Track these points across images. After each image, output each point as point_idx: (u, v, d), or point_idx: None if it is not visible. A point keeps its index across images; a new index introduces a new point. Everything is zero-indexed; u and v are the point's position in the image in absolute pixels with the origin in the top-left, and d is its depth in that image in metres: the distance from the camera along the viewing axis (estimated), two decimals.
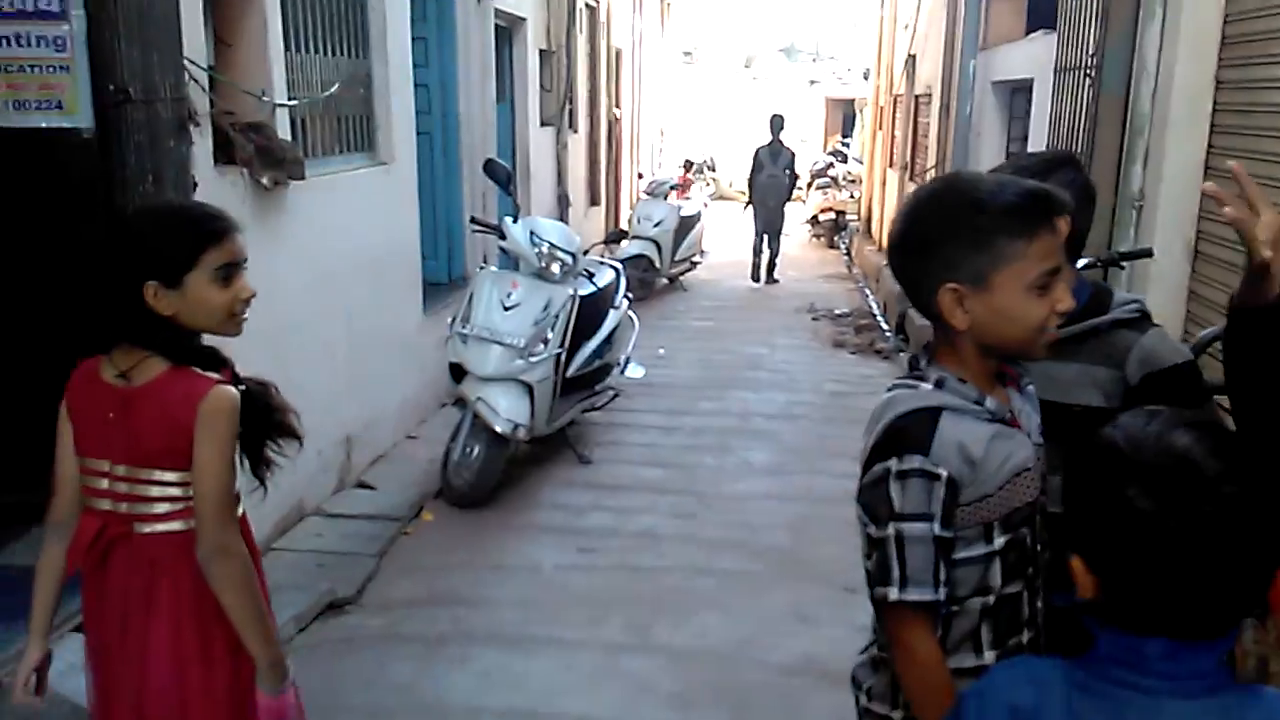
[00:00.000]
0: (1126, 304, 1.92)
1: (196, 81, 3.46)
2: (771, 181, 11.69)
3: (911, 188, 10.88)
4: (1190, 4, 4.55)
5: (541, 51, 9.48)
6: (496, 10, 7.56)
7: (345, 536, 4.27)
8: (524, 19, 8.72)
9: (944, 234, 1.38)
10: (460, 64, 6.92)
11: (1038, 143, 6.93)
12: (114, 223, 1.94)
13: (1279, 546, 1.03)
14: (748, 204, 12.16)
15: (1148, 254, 2.59)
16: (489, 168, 5.54)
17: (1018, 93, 8.19)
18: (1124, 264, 3.52)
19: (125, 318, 1.74)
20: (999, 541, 1.42)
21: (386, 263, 5.34)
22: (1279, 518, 1.02)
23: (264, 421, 1.87)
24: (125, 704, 1.82)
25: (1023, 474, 1.43)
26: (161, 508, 1.79)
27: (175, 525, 1.79)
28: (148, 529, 1.79)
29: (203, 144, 3.52)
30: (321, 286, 4.43)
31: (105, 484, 1.80)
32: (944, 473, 1.35)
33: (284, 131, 4.15)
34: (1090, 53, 5.65)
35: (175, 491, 1.78)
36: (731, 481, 5.21)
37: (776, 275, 11.84)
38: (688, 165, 16.87)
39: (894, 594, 1.36)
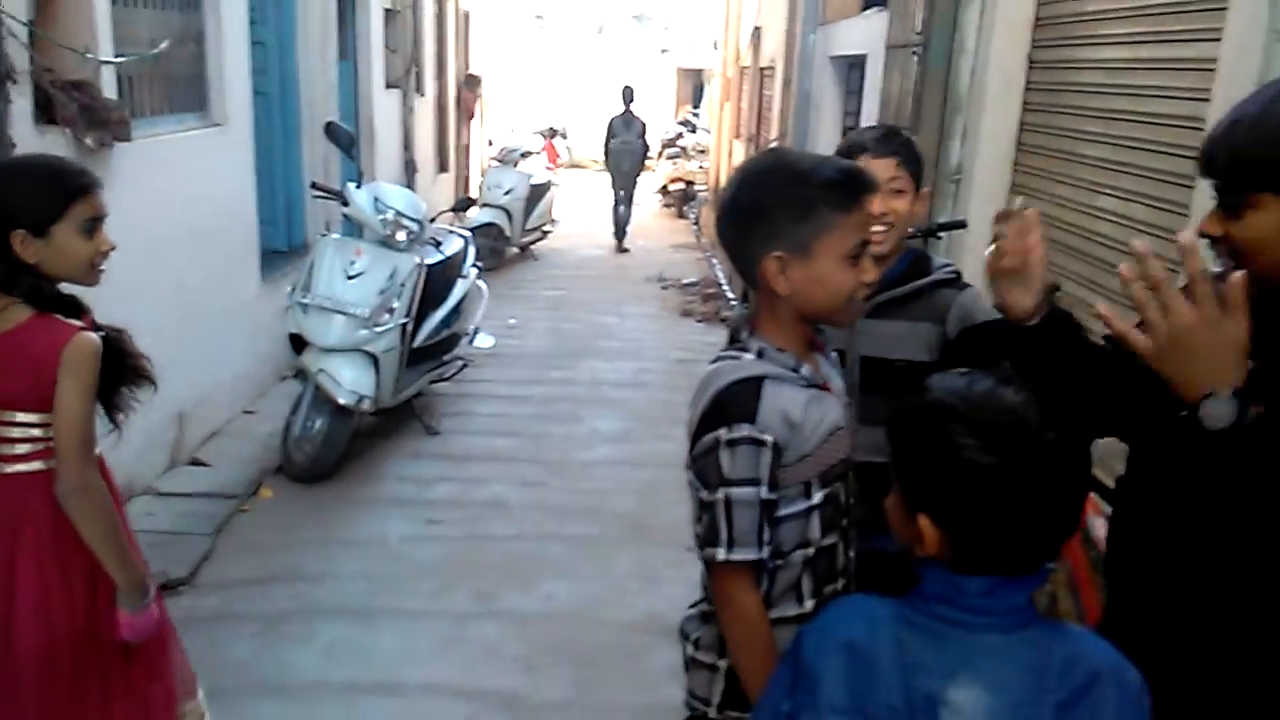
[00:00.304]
0: (943, 266, 2.11)
1: (15, 37, 3.27)
2: (625, 148, 12.24)
3: None
4: None
5: (386, 10, 9.21)
6: None
7: (178, 516, 4.12)
8: None
9: (772, 204, 1.46)
10: (300, 21, 6.65)
11: (870, 117, 7.21)
12: None
13: (1086, 483, 1.15)
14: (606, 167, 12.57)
15: (962, 225, 2.78)
16: (330, 131, 5.37)
17: (854, 68, 8.48)
18: (941, 234, 3.75)
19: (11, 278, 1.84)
20: (817, 497, 1.51)
21: (220, 229, 5.13)
22: (1083, 457, 1.14)
23: (120, 367, 1.97)
24: None
25: (836, 433, 1.53)
26: (22, 448, 1.90)
27: (36, 465, 1.91)
28: (9, 469, 1.90)
29: (21, 103, 3.33)
30: (149, 254, 4.21)
31: None
32: (770, 439, 1.43)
33: (109, 90, 3.92)
34: (917, 31, 5.92)
35: (36, 433, 1.89)
36: (581, 449, 5.28)
37: (625, 244, 12.32)
38: (550, 133, 16.72)
39: (722, 554, 1.44)
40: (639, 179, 12.50)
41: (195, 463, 4.70)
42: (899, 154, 2.00)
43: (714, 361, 1.56)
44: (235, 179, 5.41)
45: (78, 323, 1.90)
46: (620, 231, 12.38)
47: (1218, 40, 2.98)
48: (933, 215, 5.12)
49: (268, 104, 6.43)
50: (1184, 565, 1.30)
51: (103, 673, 2.00)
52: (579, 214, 14.88)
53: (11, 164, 2.24)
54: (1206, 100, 3.04)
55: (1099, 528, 2.48)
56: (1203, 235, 1.25)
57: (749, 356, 1.50)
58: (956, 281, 2.08)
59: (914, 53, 5.99)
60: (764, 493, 1.44)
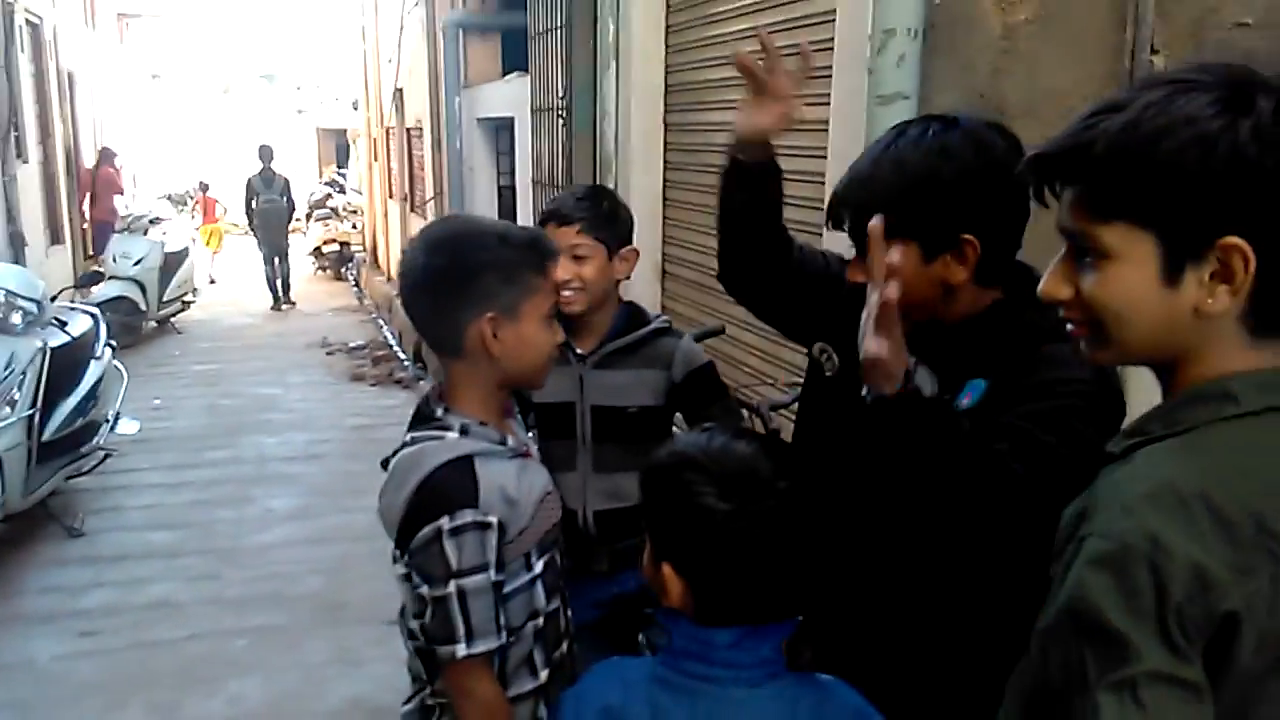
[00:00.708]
0: (658, 317, 2.24)
1: None
2: (271, 206, 12.18)
3: (414, 219, 11.14)
4: (638, 59, 5.23)
5: None
6: None
7: None
8: None
9: (480, 265, 1.43)
10: None
11: (524, 176, 7.47)
12: None
13: (821, 534, 1.16)
14: (250, 230, 12.50)
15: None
16: None
17: (502, 129, 8.75)
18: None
19: None
20: (538, 566, 1.49)
21: None
22: (818, 507, 1.16)
23: None
24: None
25: (546, 498, 1.52)
26: None
27: None
28: None
29: None
30: None
31: None
32: (494, 520, 1.39)
33: None
34: (560, 95, 6.25)
35: None
36: (254, 533, 4.94)
37: (293, 297, 12.38)
38: (204, 187, 15.50)
39: (462, 650, 1.37)
40: (289, 235, 12.53)
41: None
42: (584, 220, 2.07)
43: (410, 443, 1.46)
44: None
45: None
46: (283, 288, 12.25)
47: (827, 104, 3.44)
48: None
49: None
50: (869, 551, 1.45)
51: None
52: (223, 280, 13.95)
53: None
54: (823, 157, 3.50)
55: None
56: (849, 281, 1.42)
57: (452, 435, 1.44)
58: (672, 330, 2.22)
59: (560, 116, 6.31)
60: (494, 575, 1.39)
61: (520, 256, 1.45)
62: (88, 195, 12.21)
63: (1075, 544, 0.88)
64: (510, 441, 1.49)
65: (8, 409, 4.31)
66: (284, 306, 12.21)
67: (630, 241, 2.18)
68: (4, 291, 4.57)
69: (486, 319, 1.42)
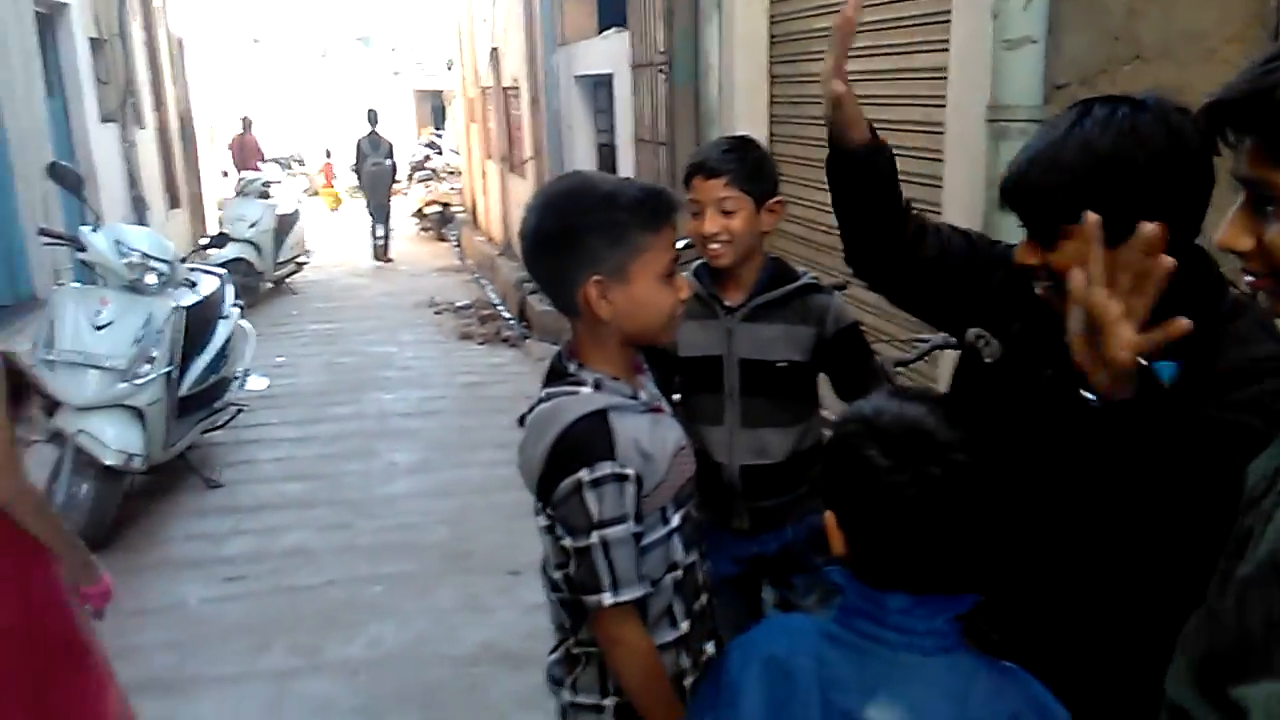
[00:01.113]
0: (804, 273, 2.22)
1: None
2: (378, 168, 13.01)
3: (514, 179, 11.25)
4: (741, 7, 5.16)
5: (92, 40, 8.53)
6: None
7: None
8: (66, 4, 7.81)
9: (584, 229, 1.42)
10: None
11: (624, 133, 7.47)
12: None
13: (1004, 521, 1.12)
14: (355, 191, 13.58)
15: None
16: (55, 172, 4.89)
17: (600, 86, 8.73)
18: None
19: None
20: (675, 519, 1.51)
21: None
22: (1006, 496, 1.11)
23: (17, 384, 2.04)
24: None
25: (680, 452, 1.52)
26: None
27: None
28: None
29: None
30: None
31: None
32: (632, 472, 1.40)
33: None
34: (660, 50, 6.21)
35: None
36: (380, 485, 5.13)
37: (396, 256, 13.14)
38: (328, 153, 16.11)
39: (609, 599, 1.40)
40: (392, 196, 13.32)
41: None
42: (731, 172, 2.04)
43: (546, 399, 1.49)
44: None
45: None
46: (384, 246, 13.12)
47: (946, 50, 3.36)
48: None
49: None
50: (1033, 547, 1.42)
51: (47, 666, 2.07)
52: (331, 242, 14.35)
53: None
54: (941, 105, 3.43)
55: None
56: (1019, 264, 1.39)
57: (586, 390, 1.46)
58: (821, 286, 2.21)
59: (660, 71, 6.27)
60: (633, 527, 1.42)
61: (627, 217, 1.43)
62: (233, 160, 13.20)
63: (1276, 496, 0.88)
64: (642, 396, 1.51)
65: (147, 365, 4.50)
66: (383, 260, 12.97)
67: (776, 193, 2.14)
68: (139, 254, 4.75)
69: (593, 281, 1.43)
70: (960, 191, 3.27)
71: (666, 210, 1.48)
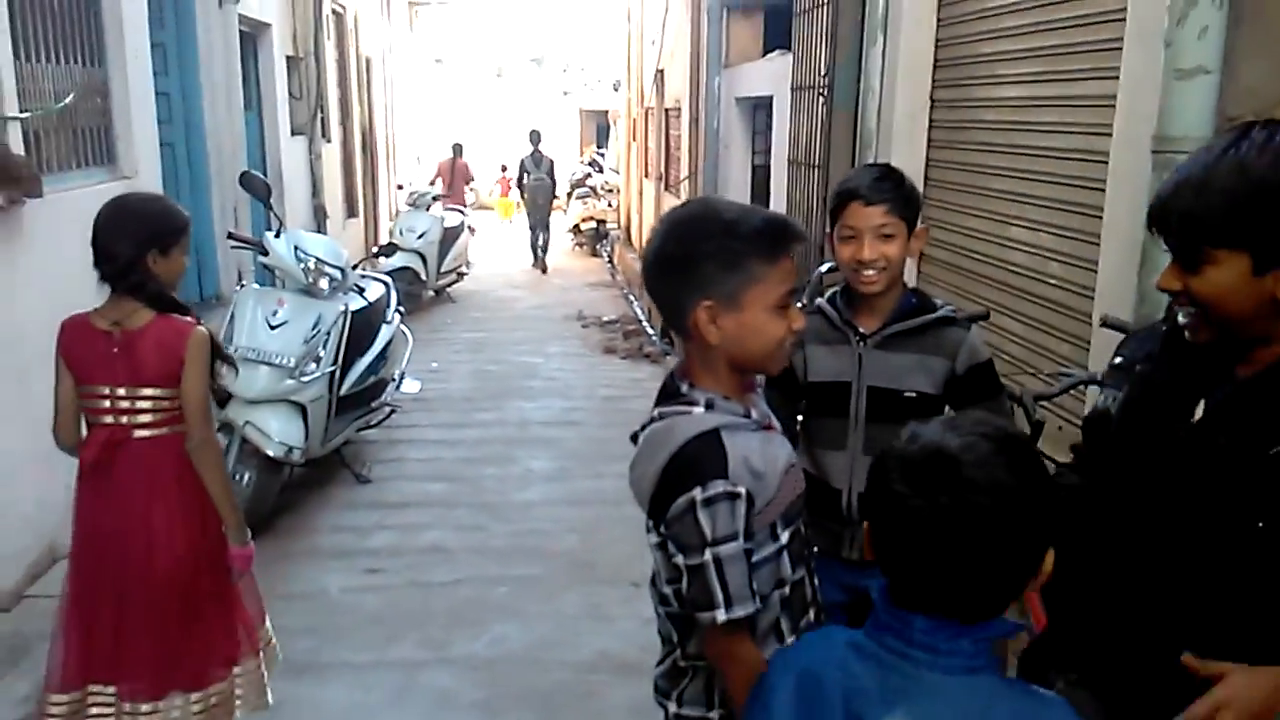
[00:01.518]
0: (945, 305, 2.20)
1: None
2: (539, 184, 14.24)
3: (668, 197, 11.40)
4: (907, 31, 5.07)
5: (289, 58, 9.15)
6: (240, 16, 7.23)
7: None
8: (269, 24, 8.38)
9: (701, 254, 1.45)
10: (203, 71, 6.57)
11: (780, 156, 7.45)
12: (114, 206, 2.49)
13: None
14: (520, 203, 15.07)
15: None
16: (246, 181, 5.30)
17: (759, 108, 8.75)
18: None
19: (132, 278, 2.39)
20: (784, 536, 1.52)
21: None
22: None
23: (215, 354, 2.50)
24: (114, 570, 2.47)
25: (790, 470, 1.53)
26: (152, 417, 2.45)
27: (163, 430, 2.47)
28: (141, 434, 2.45)
29: None
30: (63, 309, 4.06)
31: (108, 404, 2.44)
32: (743, 490, 1.41)
33: (16, 146, 3.82)
34: (822, 73, 6.17)
35: (165, 404, 2.44)
36: (517, 490, 5.28)
37: (551, 269, 14.07)
38: (504, 168, 17.17)
39: (722, 615, 1.40)
40: (551, 210, 14.49)
41: None
42: (889, 200, 2.05)
43: (659, 418, 1.51)
44: None
45: (191, 319, 2.47)
46: (542, 253, 14.21)
47: (1115, 79, 3.21)
48: None
49: (174, 154, 6.32)
50: (1130, 586, 1.39)
51: (215, 589, 2.58)
52: (492, 256, 14.88)
53: (130, 199, 2.65)
54: (1107, 135, 3.27)
55: None
56: (1162, 289, 1.35)
57: (698, 410, 1.48)
58: (958, 320, 2.18)
59: (820, 94, 6.23)
60: (745, 544, 1.43)
61: (746, 245, 1.45)
62: (444, 183, 13.94)
63: None
64: (754, 414, 1.52)
65: (313, 365, 4.79)
66: (540, 269, 14.03)
67: (920, 221, 2.15)
68: (314, 259, 5.06)
69: (704, 306, 1.45)
70: (1121, 223, 3.12)
71: (787, 241, 1.49)
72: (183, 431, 2.46)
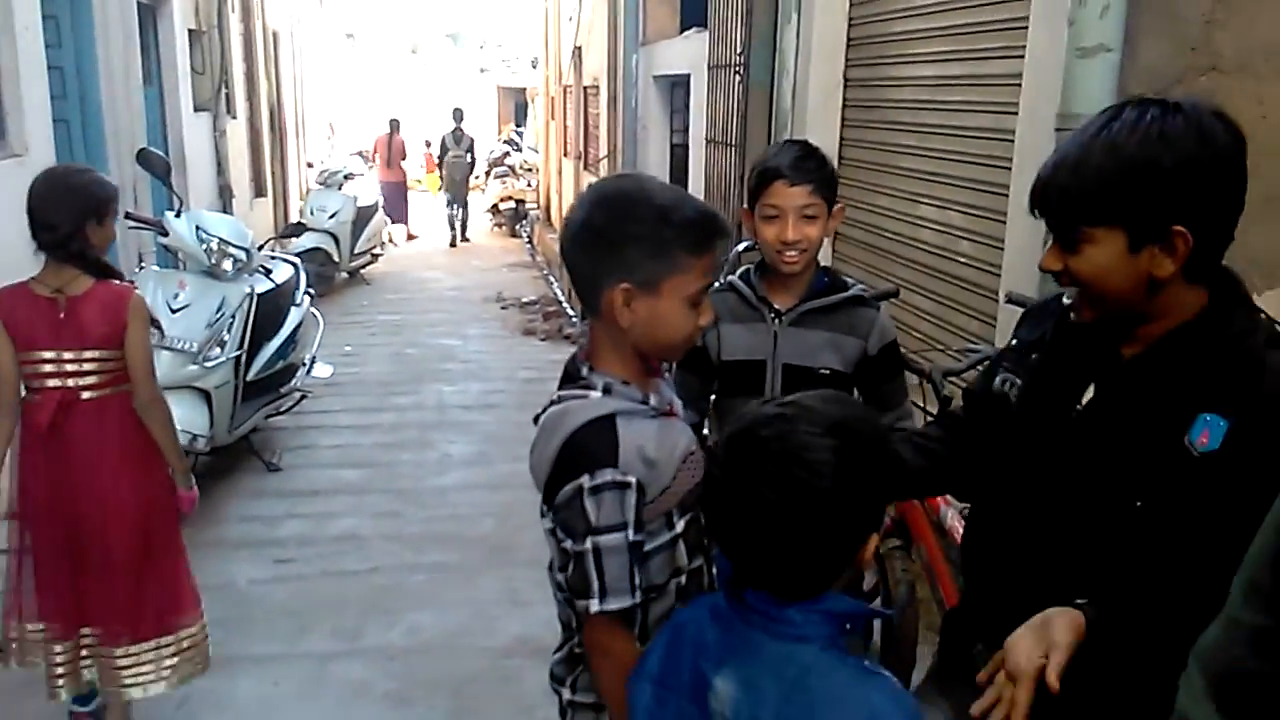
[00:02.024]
0: (855, 285, 2.21)
1: None
2: (458, 160, 14.69)
3: (587, 176, 11.32)
4: (820, 9, 5.09)
5: (191, 31, 8.80)
6: None
7: None
8: None
9: (629, 235, 1.41)
10: (99, 45, 6.25)
11: (698, 134, 7.44)
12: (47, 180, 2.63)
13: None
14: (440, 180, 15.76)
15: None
16: (144, 159, 5.06)
17: (677, 86, 8.72)
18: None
19: (72, 246, 2.52)
20: (680, 525, 1.49)
21: (24, 264, 4.73)
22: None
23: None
24: (70, 526, 2.63)
25: (689, 458, 1.49)
26: (98, 379, 2.60)
27: (108, 391, 2.62)
28: (89, 395, 2.60)
29: None
30: None
31: (53, 368, 2.56)
32: (633, 480, 1.39)
33: None
34: (738, 52, 6.17)
35: (109, 366, 2.59)
36: (433, 475, 5.19)
37: (471, 249, 14.43)
38: (428, 143, 17.14)
39: (595, 606, 1.39)
40: (469, 187, 15.08)
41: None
42: (813, 181, 2.04)
43: (558, 401, 1.48)
44: None
45: (129, 284, 2.67)
46: (461, 229, 14.72)
47: (1021, 57, 3.25)
48: None
49: (68, 131, 6.02)
50: (1034, 558, 1.42)
51: (167, 537, 2.81)
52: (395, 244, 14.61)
53: (65, 169, 2.79)
54: (1013, 113, 3.32)
55: (951, 518, 2.65)
56: (1044, 270, 1.37)
57: (595, 394, 1.45)
58: (869, 300, 2.20)
59: (736, 72, 6.23)
60: (631, 535, 1.40)
61: (676, 235, 1.41)
62: (379, 160, 14.74)
63: None
64: (653, 400, 1.49)
65: (218, 349, 4.63)
66: (460, 243, 14.56)
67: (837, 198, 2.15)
68: (217, 239, 4.87)
69: (621, 288, 1.41)
70: (1026, 201, 3.16)
71: (715, 237, 1.46)
72: (127, 391, 2.62)
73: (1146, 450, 1.30)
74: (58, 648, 2.71)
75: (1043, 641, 1.25)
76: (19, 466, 2.64)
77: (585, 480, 1.38)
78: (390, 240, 13.61)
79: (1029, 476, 1.44)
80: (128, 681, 2.73)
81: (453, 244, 14.43)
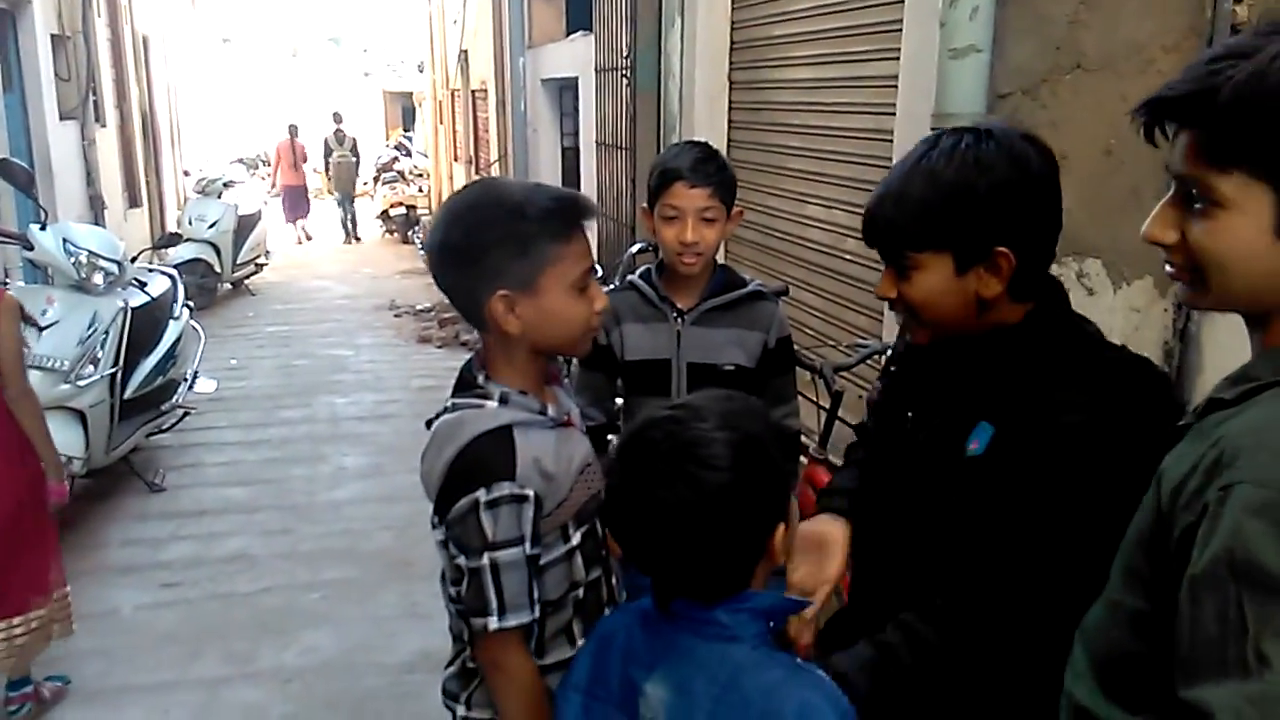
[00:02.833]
0: (752, 281, 2.23)
1: None
2: (343, 160, 15.52)
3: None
4: (704, 12, 5.14)
5: (54, 36, 8.37)
6: None
7: None
8: (28, 0, 7.64)
9: (489, 241, 1.37)
10: None
11: (588, 137, 7.45)
12: None
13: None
14: (328, 182, 16.62)
15: None
16: (4, 169, 4.78)
17: (566, 89, 8.71)
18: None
19: None
20: (576, 537, 1.47)
21: None
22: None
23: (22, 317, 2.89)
24: None
25: (586, 469, 1.48)
26: None
27: None
28: None
29: None
30: None
31: None
32: (531, 493, 1.36)
33: None
34: (624, 55, 6.19)
35: None
36: (327, 490, 5.05)
37: (359, 235, 15.45)
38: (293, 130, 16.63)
39: (494, 623, 1.35)
40: (355, 185, 15.86)
41: None
42: (714, 184, 2.05)
43: (451, 410, 1.43)
44: None
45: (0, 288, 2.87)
46: (352, 226, 15.42)
47: (897, 59, 3.35)
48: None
49: None
50: (891, 562, 1.48)
51: (35, 524, 2.95)
52: (295, 244, 14.22)
53: None
54: (891, 114, 3.42)
55: None
56: (880, 297, 1.42)
57: (491, 404, 1.41)
58: (767, 294, 2.22)
59: (624, 76, 6.25)
60: (528, 549, 1.37)
61: (536, 228, 1.37)
62: (278, 166, 15.58)
63: (1217, 492, 0.87)
64: (551, 411, 1.46)
65: (91, 367, 4.42)
66: (353, 241, 15.22)
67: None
68: (86, 252, 4.66)
69: (499, 296, 1.37)
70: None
71: (578, 217, 1.42)
72: None
73: (938, 457, 1.37)
74: None
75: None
76: None
77: (481, 494, 1.34)
78: (305, 237, 15.20)
79: (878, 486, 1.51)
80: None
81: (346, 242, 15.16)
